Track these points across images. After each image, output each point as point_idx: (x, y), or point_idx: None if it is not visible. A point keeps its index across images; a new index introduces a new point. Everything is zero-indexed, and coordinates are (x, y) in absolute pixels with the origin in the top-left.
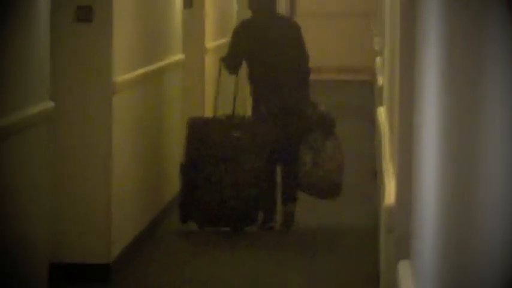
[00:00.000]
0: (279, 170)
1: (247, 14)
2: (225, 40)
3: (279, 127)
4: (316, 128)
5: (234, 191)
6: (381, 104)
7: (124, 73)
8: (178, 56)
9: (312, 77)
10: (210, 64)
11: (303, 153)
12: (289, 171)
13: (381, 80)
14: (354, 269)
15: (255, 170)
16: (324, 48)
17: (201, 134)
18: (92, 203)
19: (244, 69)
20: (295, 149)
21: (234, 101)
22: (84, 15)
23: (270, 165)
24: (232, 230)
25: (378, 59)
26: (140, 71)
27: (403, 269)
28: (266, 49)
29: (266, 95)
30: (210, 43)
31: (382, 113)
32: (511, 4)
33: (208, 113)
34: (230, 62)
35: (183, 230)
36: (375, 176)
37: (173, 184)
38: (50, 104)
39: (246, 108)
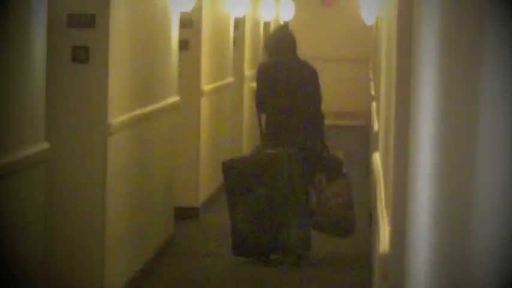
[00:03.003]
0: None
1: (240, 56)
2: (221, 83)
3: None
4: (324, 169)
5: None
6: (376, 149)
7: (119, 115)
8: (174, 98)
9: None
10: (206, 106)
11: (310, 193)
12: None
13: (376, 125)
14: None
15: (288, 201)
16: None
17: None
18: (86, 245)
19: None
20: (305, 188)
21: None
22: (80, 55)
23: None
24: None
25: (374, 104)
26: (136, 112)
27: None
28: (285, 90)
29: (281, 134)
30: (206, 86)
31: (377, 158)
32: (506, 33)
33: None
34: (258, 101)
35: (175, 272)
36: (370, 220)
37: (166, 226)
38: (45, 145)
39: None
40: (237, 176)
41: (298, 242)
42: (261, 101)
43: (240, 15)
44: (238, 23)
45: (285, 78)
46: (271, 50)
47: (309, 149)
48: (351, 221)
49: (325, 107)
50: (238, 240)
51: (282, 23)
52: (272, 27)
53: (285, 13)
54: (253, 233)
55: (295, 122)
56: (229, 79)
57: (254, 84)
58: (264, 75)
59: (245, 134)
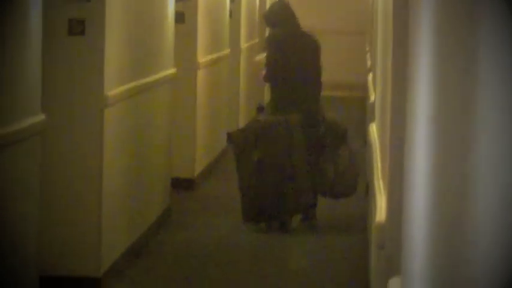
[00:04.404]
0: None
1: (236, 28)
2: (218, 55)
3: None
4: (329, 137)
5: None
6: (373, 120)
7: (116, 87)
8: (170, 71)
9: None
10: (202, 78)
11: (324, 164)
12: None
13: (372, 97)
14: (345, 285)
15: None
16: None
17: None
18: (82, 216)
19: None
20: (315, 159)
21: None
22: (77, 28)
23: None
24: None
25: (370, 76)
26: (132, 84)
27: (394, 285)
28: (295, 62)
29: (287, 103)
30: (203, 58)
31: (373, 129)
32: (502, 16)
33: (207, 122)
34: (272, 71)
35: (172, 243)
36: (366, 190)
37: (162, 198)
38: (42, 117)
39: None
40: (240, 143)
41: (299, 207)
42: (272, 71)
43: None
44: None
45: (295, 50)
46: (274, 20)
47: (313, 116)
48: (356, 186)
49: (322, 78)
50: (246, 207)
51: None
52: (269, 0)
53: None
54: (255, 199)
55: (302, 91)
56: (226, 51)
57: (260, 57)
58: (275, 46)
59: (242, 105)
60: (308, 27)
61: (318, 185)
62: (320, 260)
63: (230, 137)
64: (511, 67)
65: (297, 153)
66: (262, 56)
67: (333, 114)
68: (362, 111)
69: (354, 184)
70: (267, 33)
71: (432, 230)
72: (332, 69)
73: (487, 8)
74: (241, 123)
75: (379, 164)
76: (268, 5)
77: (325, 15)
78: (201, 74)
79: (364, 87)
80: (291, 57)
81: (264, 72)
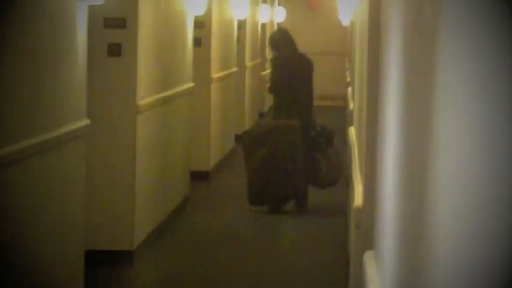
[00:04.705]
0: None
1: (242, 50)
2: (227, 72)
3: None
4: (321, 138)
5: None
6: (351, 125)
7: (146, 97)
8: (189, 84)
9: None
10: (215, 90)
11: (319, 159)
12: (306, 171)
13: (351, 105)
14: (330, 257)
15: (293, 166)
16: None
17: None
18: (119, 202)
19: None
20: (311, 156)
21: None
22: (115, 51)
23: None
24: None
25: (349, 89)
26: (159, 95)
27: (368, 257)
28: (295, 77)
29: (287, 111)
30: (215, 74)
31: (352, 131)
32: (461, 33)
33: (217, 129)
34: (274, 85)
35: (190, 224)
36: (347, 181)
37: (183, 187)
38: (87, 121)
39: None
40: (249, 140)
41: (295, 195)
42: (276, 85)
43: (242, 18)
44: (241, 24)
45: (294, 68)
46: (277, 45)
47: (308, 121)
48: (341, 174)
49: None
50: (252, 192)
51: (275, 24)
52: (268, 29)
53: (278, 16)
54: (260, 185)
55: (300, 101)
56: (234, 69)
57: (265, 72)
58: (280, 65)
59: (247, 111)
60: (300, 49)
61: (311, 177)
62: (309, 236)
63: (241, 138)
64: (469, 72)
65: (297, 151)
66: (266, 72)
67: (322, 119)
68: (343, 117)
69: (338, 176)
70: (267, 55)
71: (398, 212)
72: (318, 83)
73: (444, 30)
74: (247, 125)
75: (357, 160)
76: (268, 33)
77: (313, 40)
78: (213, 87)
79: (344, 98)
80: (291, 74)
81: (268, 85)
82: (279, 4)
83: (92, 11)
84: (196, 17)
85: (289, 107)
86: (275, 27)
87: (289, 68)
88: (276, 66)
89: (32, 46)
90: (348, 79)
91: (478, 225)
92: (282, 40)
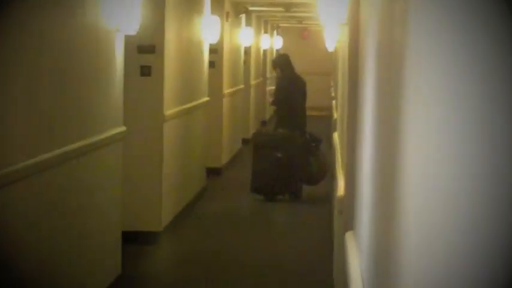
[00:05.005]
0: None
1: (248, 71)
2: (236, 88)
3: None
4: (312, 143)
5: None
6: (335, 131)
7: (171, 109)
8: (205, 99)
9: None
10: (226, 103)
11: (311, 161)
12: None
13: (335, 115)
14: (320, 237)
15: (290, 165)
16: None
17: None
18: (149, 191)
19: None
20: (305, 158)
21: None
22: (146, 71)
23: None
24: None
25: (334, 102)
26: (180, 107)
27: (349, 236)
28: (295, 94)
29: (286, 120)
30: (226, 90)
31: (336, 136)
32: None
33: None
34: (278, 100)
35: (208, 209)
36: (331, 176)
37: (200, 180)
38: (123, 128)
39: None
40: (262, 142)
41: (294, 189)
42: (281, 101)
43: (248, 45)
44: (247, 50)
45: (294, 87)
46: (281, 67)
47: (303, 130)
48: (327, 172)
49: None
50: (255, 183)
51: (274, 50)
52: (268, 54)
53: (277, 44)
54: (266, 179)
55: (297, 113)
56: (241, 86)
57: (269, 88)
58: (284, 85)
59: (251, 120)
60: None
61: (304, 175)
62: (300, 220)
63: (250, 140)
64: (430, 81)
65: (297, 155)
66: (270, 88)
67: (310, 128)
68: (328, 125)
69: (325, 173)
70: (267, 75)
71: (372, 200)
72: (309, 97)
73: (410, 53)
74: (251, 131)
75: (340, 159)
76: (268, 57)
77: (305, 62)
78: (225, 101)
79: (329, 109)
80: (291, 92)
81: (271, 99)
82: (278, 34)
83: (128, 39)
84: (211, 44)
85: (289, 118)
86: (274, 52)
87: (290, 87)
88: (281, 86)
89: (79, 68)
90: (333, 94)
91: (435, 202)
92: (284, 63)
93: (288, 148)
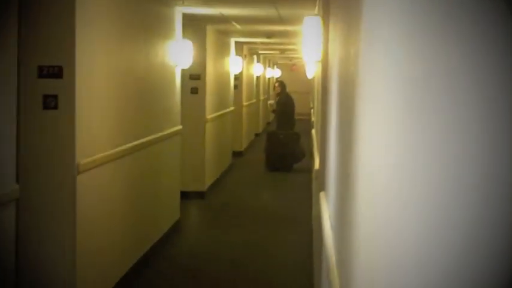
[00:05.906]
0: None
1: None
2: (223, 111)
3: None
4: (296, 137)
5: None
6: (313, 128)
7: (210, 114)
8: (231, 108)
9: None
10: (245, 111)
11: (298, 148)
12: (294, 153)
13: (313, 118)
14: (303, 195)
15: (293, 150)
16: None
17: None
18: (197, 166)
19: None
20: (298, 145)
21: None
22: (194, 91)
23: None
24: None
25: (312, 110)
26: (218, 113)
27: (322, 195)
28: (291, 108)
29: (284, 126)
30: (245, 103)
31: (313, 131)
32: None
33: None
34: (280, 113)
35: (235, 176)
36: (310, 156)
37: (229, 159)
38: (180, 127)
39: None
40: (273, 138)
41: (294, 161)
42: (282, 113)
43: (258, 74)
44: (237, 76)
45: (288, 103)
46: (282, 88)
47: (293, 130)
48: (305, 154)
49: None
50: (268, 163)
51: (267, 77)
52: (261, 79)
53: (269, 73)
54: (275, 160)
55: (290, 120)
56: (253, 100)
57: (270, 102)
58: (284, 101)
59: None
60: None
61: (292, 155)
62: (290, 183)
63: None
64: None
65: (296, 144)
66: (271, 102)
67: (298, 127)
68: (308, 124)
69: (303, 155)
70: (261, 97)
71: (337, 170)
72: (296, 107)
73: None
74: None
75: (316, 145)
76: (261, 83)
77: (293, 85)
78: (244, 109)
79: (309, 115)
80: (288, 107)
81: (272, 109)
82: (277, 67)
83: (183, 71)
84: (235, 74)
85: (285, 123)
86: (266, 79)
87: (287, 103)
88: (282, 102)
89: (154, 89)
90: (311, 105)
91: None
92: (283, 85)
93: (293, 141)
